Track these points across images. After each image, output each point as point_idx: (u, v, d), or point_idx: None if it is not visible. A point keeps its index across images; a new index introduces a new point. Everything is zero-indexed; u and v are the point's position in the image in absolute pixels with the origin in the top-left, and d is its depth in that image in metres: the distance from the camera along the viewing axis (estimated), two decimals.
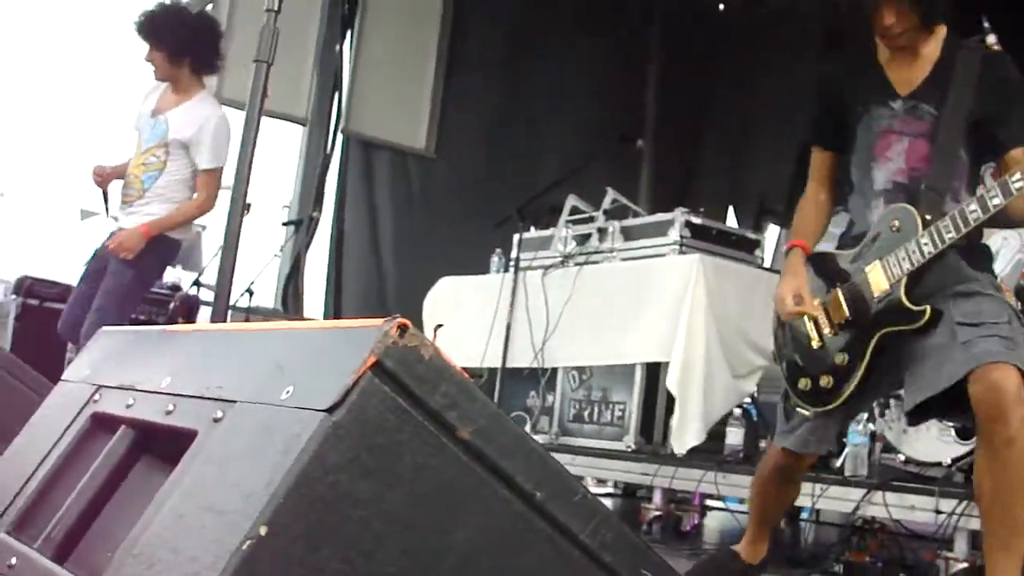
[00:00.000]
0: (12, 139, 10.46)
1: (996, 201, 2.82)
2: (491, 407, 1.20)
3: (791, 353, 3.33)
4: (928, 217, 2.98)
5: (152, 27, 5.14)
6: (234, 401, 1.29)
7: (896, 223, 3.07)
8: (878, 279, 3.08)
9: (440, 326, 5.75)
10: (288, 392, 1.18)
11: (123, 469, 1.57)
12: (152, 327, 1.84)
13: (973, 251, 3.11)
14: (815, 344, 3.24)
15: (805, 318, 3.25)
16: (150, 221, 5.11)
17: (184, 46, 5.17)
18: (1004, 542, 2.85)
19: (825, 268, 3.31)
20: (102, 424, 1.70)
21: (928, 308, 2.96)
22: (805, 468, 3.50)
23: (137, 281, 5.18)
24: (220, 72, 5.47)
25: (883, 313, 3.06)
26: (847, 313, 3.16)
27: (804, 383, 3.25)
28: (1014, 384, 2.76)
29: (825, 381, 3.19)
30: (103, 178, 5.34)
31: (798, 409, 3.29)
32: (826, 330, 3.22)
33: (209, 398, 1.35)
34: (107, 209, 5.37)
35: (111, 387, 1.72)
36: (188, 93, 5.23)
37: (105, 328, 1.94)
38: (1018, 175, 2.78)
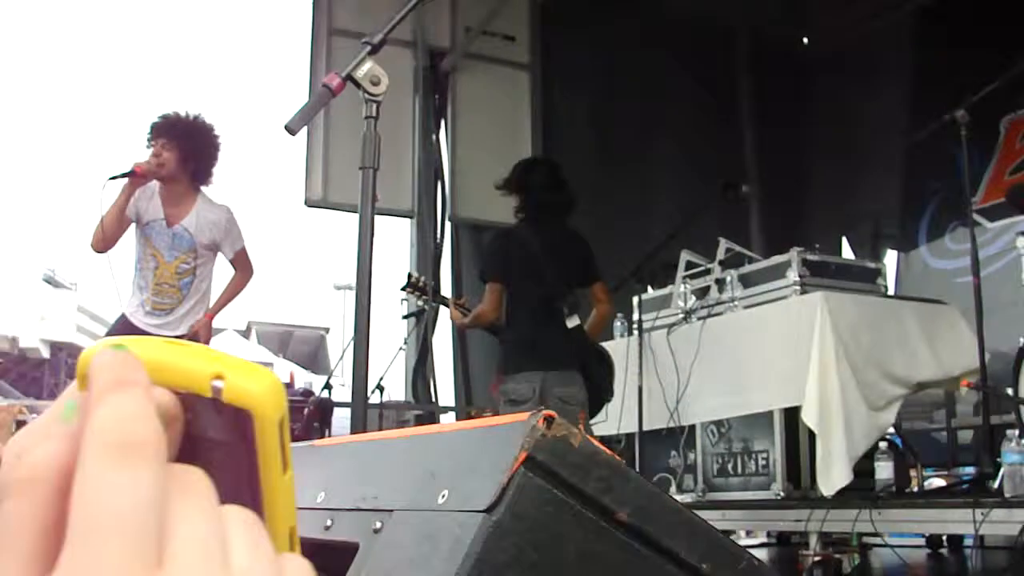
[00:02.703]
0: None
1: None
2: (647, 485, 1.20)
3: None
4: None
5: (173, 127, 5.49)
6: (391, 510, 1.30)
7: None
8: None
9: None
10: (444, 496, 1.19)
11: None
12: (297, 444, 1.86)
13: None
14: None
15: None
16: (210, 309, 5.64)
17: (196, 153, 5.54)
18: None
19: None
20: None
21: None
22: None
23: None
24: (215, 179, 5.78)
25: None
26: None
27: None
28: None
29: None
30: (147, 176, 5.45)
31: None
32: None
33: (366, 509, 1.36)
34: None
35: None
36: (190, 198, 5.58)
37: None
38: None
